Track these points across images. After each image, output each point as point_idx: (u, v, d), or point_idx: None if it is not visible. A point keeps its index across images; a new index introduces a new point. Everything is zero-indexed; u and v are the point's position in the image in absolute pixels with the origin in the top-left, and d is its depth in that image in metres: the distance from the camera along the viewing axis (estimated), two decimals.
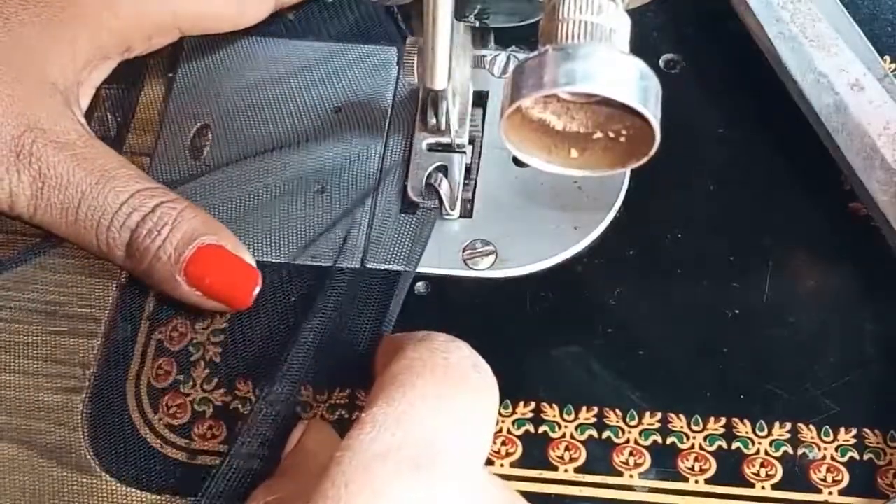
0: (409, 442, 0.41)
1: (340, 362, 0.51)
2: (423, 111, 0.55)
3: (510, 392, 0.50)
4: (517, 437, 0.50)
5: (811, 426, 0.50)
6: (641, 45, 0.43)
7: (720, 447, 0.49)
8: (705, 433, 0.50)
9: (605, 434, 0.50)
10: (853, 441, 0.49)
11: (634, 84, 0.40)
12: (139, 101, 0.59)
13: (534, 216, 0.55)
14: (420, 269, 0.54)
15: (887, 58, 0.57)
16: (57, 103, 0.53)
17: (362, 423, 0.42)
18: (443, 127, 0.54)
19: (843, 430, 0.49)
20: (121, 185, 0.52)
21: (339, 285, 0.53)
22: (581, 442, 0.50)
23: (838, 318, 0.52)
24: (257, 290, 0.52)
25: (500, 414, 0.50)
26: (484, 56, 0.55)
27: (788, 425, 0.50)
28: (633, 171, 0.44)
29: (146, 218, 0.51)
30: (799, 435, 0.49)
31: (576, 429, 0.50)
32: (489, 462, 0.49)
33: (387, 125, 0.57)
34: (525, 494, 0.48)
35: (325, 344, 0.52)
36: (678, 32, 0.60)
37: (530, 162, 0.44)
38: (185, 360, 0.52)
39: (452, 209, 0.54)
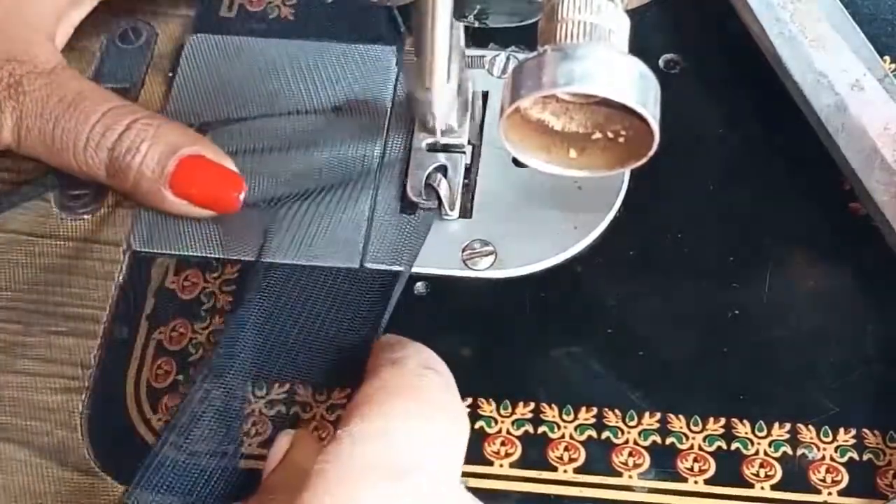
0: (387, 457, 0.42)
1: (339, 362, 0.51)
2: (420, 112, 0.55)
3: (510, 392, 0.51)
4: (516, 437, 0.50)
5: (810, 426, 0.50)
6: (641, 45, 0.43)
7: (719, 447, 0.49)
8: (705, 433, 0.50)
9: (605, 434, 0.50)
10: (853, 441, 0.49)
11: (634, 84, 0.40)
12: (139, 101, 0.59)
13: (534, 216, 0.55)
14: (420, 270, 0.54)
15: (887, 58, 0.57)
16: (37, 36, 0.55)
17: (339, 438, 0.43)
18: (442, 127, 0.54)
19: (842, 430, 0.49)
20: (91, 106, 0.53)
21: (337, 285, 0.53)
22: (580, 442, 0.50)
23: (838, 318, 0.52)
24: (243, 194, 0.54)
25: (499, 414, 0.50)
26: (484, 56, 0.55)
27: (788, 425, 0.50)
28: (632, 171, 0.44)
29: (122, 136, 0.52)
30: (798, 435, 0.49)
31: (575, 429, 0.50)
32: (488, 462, 0.49)
33: (386, 125, 0.57)
34: (524, 495, 0.48)
35: (322, 343, 0.52)
36: (678, 32, 0.60)
37: (530, 162, 0.44)
38: (185, 360, 0.52)
39: (452, 209, 0.54)
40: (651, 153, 0.42)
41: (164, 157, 0.52)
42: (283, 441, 0.47)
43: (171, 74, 0.60)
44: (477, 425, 0.50)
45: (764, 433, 0.49)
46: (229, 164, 0.54)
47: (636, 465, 0.49)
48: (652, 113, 0.41)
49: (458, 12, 0.49)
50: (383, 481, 0.42)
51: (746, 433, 0.50)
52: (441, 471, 0.44)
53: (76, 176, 0.55)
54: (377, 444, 0.43)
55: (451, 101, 0.52)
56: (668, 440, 0.50)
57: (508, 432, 0.50)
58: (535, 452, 0.49)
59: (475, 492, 0.48)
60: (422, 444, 0.43)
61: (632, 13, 0.43)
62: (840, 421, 0.50)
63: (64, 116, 0.53)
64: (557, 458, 0.49)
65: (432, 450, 0.44)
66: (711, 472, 0.49)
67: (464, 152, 0.55)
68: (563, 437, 0.50)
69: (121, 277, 0.54)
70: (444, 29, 0.47)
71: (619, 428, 0.50)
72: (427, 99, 0.51)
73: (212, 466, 0.48)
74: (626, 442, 0.50)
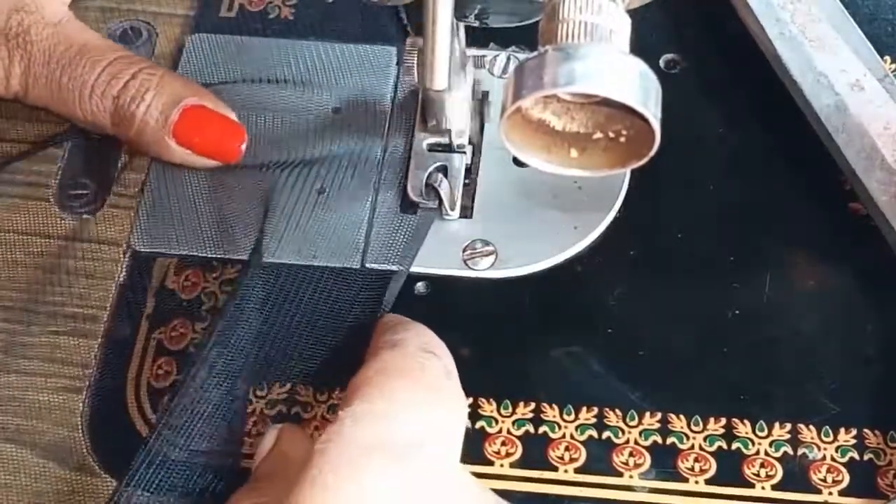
0: (389, 437, 0.42)
1: (339, 361, 0.51)
2: (423, 111, 0.55)
3: (510, 392, 0.51)
4: (517, 437, 0.50)
5: (811, 426, 0.50)
6: (641, 45, 0.43)
7: (720, 447, 0.49)
8: (705, 433, 0.50)
9: (605, 434, 0.50)
10: (853, 441, 0.49)
11: (634, 84, 0.40)
12: None
13: (534, 216, 0.55)
14: (420, 269, 0.54)
15: (887, 58, 0.57)
16: None
17: (341, 419, 0.43)
18: (443, 127, 0.54)
19: (843, 430, 0.49)
20: (97, 55, 0.54)
21: (338, 285, 0.53)
22: (581, 442, 0.50)
23: (838, 318, 0.52)
24: (244, 145, 0.55)
25: (499, 414, 0.50)
26: (484, 56, 0.55)
27: (788, 425, 0.50)
28: (633, 171, 0.44)
29: (127, 85, 0.54)
30: (799, 435, 0.49)
31: (576, 429, 0.50)
32: (489, 462, 0.49)
33: (387, 125, 0.57)
34: (525, 495, 0.48)
35: (322, 343, 0.52)
36: (678, 32, 0.60)
37: (530, 162, 0.44)
38: (185, 360, 0.52)
39: (452, 209, 0.54)
40: (652, 153, 0.42)
41: (168, 107, 0.54)
42: (272, 434, 0.48)
43: None
44: (477, 425, 0.50)
45: (765, 433, 0.49)
46: (231, 116, 0.55)
47: (637, 465, 0.49)
48: (653, 113, 0.41)
49: (459, 12, 0.49)
50: (385, 461, 0.42)
51: (747, 433, 0.50)
52: (441, 452, 0.44)
53: (82, 125, 0.56)
54: (379, 425, 0.43)
55: (462, 102, 0.52)
56: (669, 440, 0.50)
57: (509, 432, 0.50)
58: (535, 452, 0.49)
59: None
60: (422, 426, 0.44)
61: (632, 13, 0.43)
62: (840, 421, 0.50)
63: (71, 65, 0.54)
64: (558, 457, 0.49)
65: (433, 431, 0.44)
66: (712, 472, 0.49)
67: (464, 152, 0.55)
68: (563, 436, 0.50)
69: (121, 277, 0.54)
70: (444, 29, 0.47)
71: (619, 428, 0.50)
72: (436, 99, 0.51)
73: (212, 465, 0.48)
74: (627, 442, 0.50)
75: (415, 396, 0.45)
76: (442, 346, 0.48)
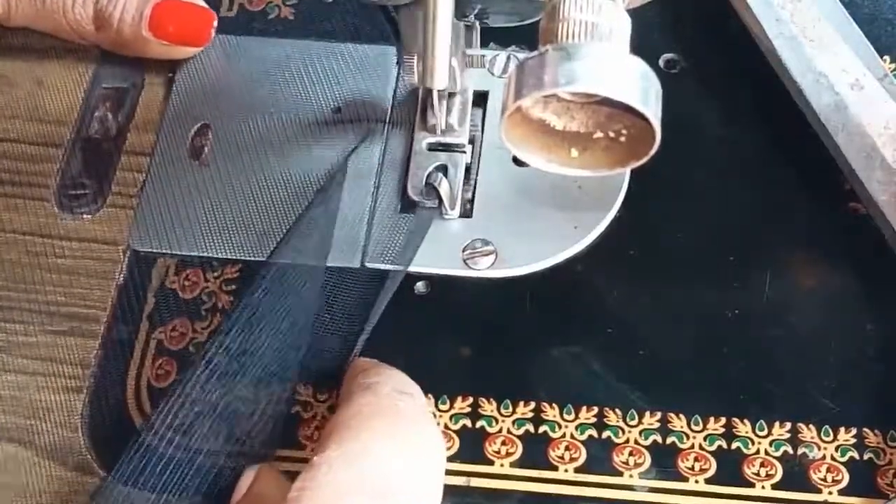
0: (364, 482, 0.42)
1: (338, 361, 0.51)
2: (422, 111, 0.55)
3: (510, 391, 0.51)
4: (517, 437, 0.50)
5: (811, 426, 0.50)
6: (641, 45, 0.43)
7: (720, 447, 0.49)
8: (705, 433, 0.50)
9: (605, 434, 0.50)
10: (853, 441, 0.49)
11: (635, 84, 0.40)
12: (139, 101, 0.59)
13: (534, 216, 0.55)
14: (420, 269, 0.54)
15: (887, 58, 0.57)
16: None
17: (316, 465, 0.43)
18: (443, 127, 0.54)
19: (843, 430, 0.49)
20: None
21: (338, 285, 0.53)
22: (581, 442, 0.50)
23: (838, 318, 0.52)
24: (214, 26, 0.59)
25: (499, 413, 0.50)
26: (484, 56, 0.55)
27: (788, 425, 0.50)
28: (633, 170, 0.44)
29: None
30: (799, 435, 0.49)
31: (576, 429, 0.50)
32: (489, 462, 0.49)
33: (386, 125, 0.57)
34: (525, 494, 0.48)
35: (321, 342, 0.52)
36: (678, 32, 0.60)
37: (530, 161, 0.44)
38: (185, 360, 0.52)
39: (452, 209, 0.54)
40: (652, 152, 0.42)
41: (142, 3, 0.58)
42: (249, 475, 0.47)
43: (170, 75, 0.60)
44: (478, 425, 0.50)
45: (764, 432, 0.49)
46: (199, 2, 0.59)
47: (637, 465, 0.49)
48: (653, 112, 0.41)
49: (459, 12, 0.49)
50: None
51: (747, 432, 0.50)
52: (419, 494, 0.44)
53: (65, 37, 0.59)
54: (354, 469, 0.43)
55: (453, 101, 0.52)
56: (669, 439, 0.50)
57: (509, 432, 0.50)
58: (535, 452, 0.49)
59: (476, 491, 0.48)
60: (399, 469, 0.43)
61: (632, 13, 0.43)
62: (840, 420, 0.50)
63: None
64: (558, 457, 0.49)
65: (410, 474, 0.44)
66: (712, 472, 0.49)
67: (464, 152, 0.55)
68: (563, 436, 0.50)
69: (121, 277, 0.54)
70: (444, 29, 0.47)
71: (619, 427, 0.50)
72: (428, 98, 0.51)
73: (206, 466, 0.48)
74: (627, 441, 0.50)
75: (391, 439, 0.44)
76: (416, 387, 0.48)
